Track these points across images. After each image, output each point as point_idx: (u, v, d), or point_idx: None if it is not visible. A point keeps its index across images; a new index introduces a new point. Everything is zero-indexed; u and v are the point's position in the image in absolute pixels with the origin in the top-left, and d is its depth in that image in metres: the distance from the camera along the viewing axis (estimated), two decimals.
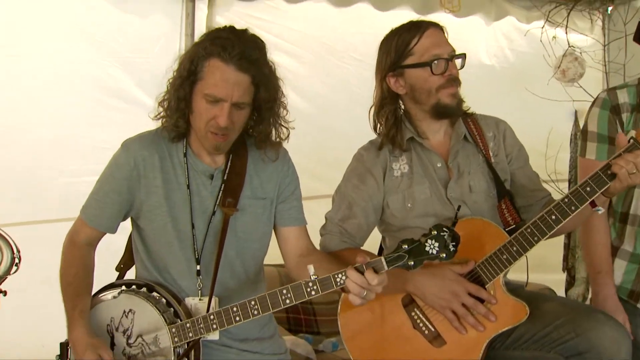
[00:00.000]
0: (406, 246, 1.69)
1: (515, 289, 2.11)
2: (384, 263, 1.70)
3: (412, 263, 1.69)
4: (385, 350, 2.08)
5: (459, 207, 2.00)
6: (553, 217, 1.93)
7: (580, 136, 2.40)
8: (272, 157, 2.05)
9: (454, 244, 1.70)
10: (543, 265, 3.12)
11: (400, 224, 2.16)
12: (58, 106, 3.36)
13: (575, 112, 4.32)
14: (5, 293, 1.74)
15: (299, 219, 2.12)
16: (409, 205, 2.15)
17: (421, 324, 2.05)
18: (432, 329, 2.04)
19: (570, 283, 4.20)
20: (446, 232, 1.70)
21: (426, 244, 1.69)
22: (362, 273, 1.68)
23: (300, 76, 3.87)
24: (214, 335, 1.95)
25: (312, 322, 3.72)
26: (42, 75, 3.31)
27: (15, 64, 3.24)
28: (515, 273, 2.28)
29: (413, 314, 2.06)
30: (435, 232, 1.69)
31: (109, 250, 2.17)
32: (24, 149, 3.34)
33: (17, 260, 1.72)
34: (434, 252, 1.69)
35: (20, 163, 3.33)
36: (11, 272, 1.72)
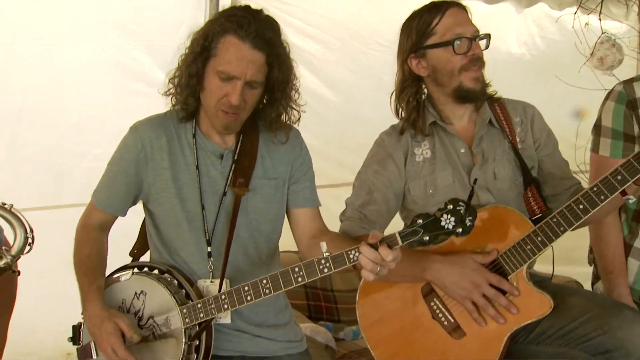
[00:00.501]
0: (421, 221, 1.64)
1: (540, 281, 2.04)
2: (398, 238, 1.64)
3: (427, 238, 1.63)
4: (403, 340, 2.02)
5: (475, 180, 1.92)
6: (581, 206, 1.85)
7: (593, 130, 2.32)
8: (281, 139, 2.02)
9: (470, 218, 1.63)
10: (570, 257, 3.03)
11: (422, 211, 2.09)
12: (82, 91, 3.35)
13: None
14: (19, 273, 1.72)
15: (311, 200, 2.08)
16: (430, 191, 2.09)
17: (440, 315, 1.99)
18: (452, 320, 1.98)
19: (596, 276, 4.10)
20: (462, 206, 1.63)
21: (442, 219, 1.63)
22: (376, 249, 1.63)
23: (325, 62, 3.82)
24: (226, 319, 1.92)
25: (333, 310, 3.69)
26: (65, 60, 3.30)
27: (38, 49, 3.24)
28: (543, 265, 2.21)
29: (432, 304, 2.00)
30: (451, 207, 1.63)
31: (124, 236, 2.15)
32: (47, 133, 3.34)
33: (30, 240, 1.70)
34: (450, 227, 1.63)
35: (44, 148, 3.33)
36: (24, 252, 1.70)
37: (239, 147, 1.98)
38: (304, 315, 3.41)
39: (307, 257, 1.92)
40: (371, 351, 2.05)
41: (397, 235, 1.64)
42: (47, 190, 3.31)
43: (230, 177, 1.95)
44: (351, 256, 1.67)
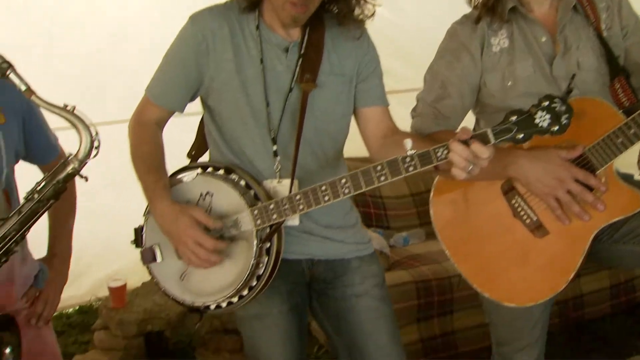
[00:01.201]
0: (514, 117, 1.53)
1: (626, 178, 1.92)
2: (491, 135, 1.52)
3: (522, 136, 1.53)
4: (481, 241, 1.93)
5: (574, 75, 1.78)
6: None
7: None
8: (355, 34, 1.87)
9: (567, 116, 1.52)
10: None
11: (499, 105, 1.96)
12: (117, 1, 3.21)
13: None
14: (86, 179, 1.62)
15: (381, 98, 1.95)
16: (509, 83, 1.95)
17: (522, 213, 1.89)
18: (534, 218, 1.88)
19: None
20: (558, 102, 1.52)
21: (536, 116, 1.52)
22: (467, 146, 1.52)
23: None
24: (295, 221, 1.84)
25: (382, 217, 3.64)
26: None
27: None
28: None
29: (513, 201, 1.90)
30: (547, 103, 1.52)
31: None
32: (82, 49, 3.22)
33: (96, 144, 1.59)
34: (545, 124, 1.53)
35: (80, 64, 3.22)
36: (91, 156, 1.59)
37: (305, 41, 1.84)
38: None
39: (377, 159, 1.81)
40: (446, 251, 1.96)
41: (490, 132, 1.53)
42: (86, 106, 3.21)
43: (297, 72, 1.82)
44: (439, 154, 1.56)
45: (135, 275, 3.25)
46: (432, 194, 1.99)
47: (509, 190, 1.91)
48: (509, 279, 1.92)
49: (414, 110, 2.05)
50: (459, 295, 3.09)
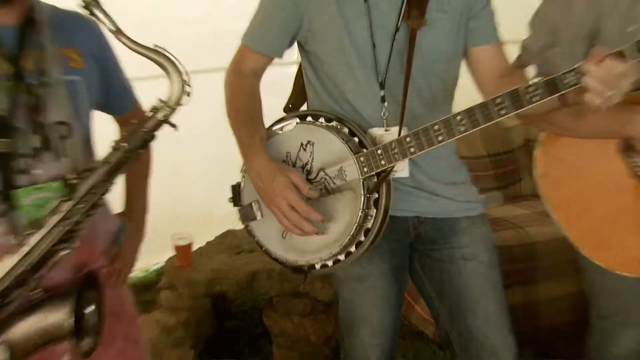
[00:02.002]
0: None
1: None
2: (629, 51, 1.37)
3: None
4: (592, 202, 1.78)
5: None
6: None
7: None
8: None
9: None
10: None
11: None
12: None
13: None
14: (176, 127, 1.49)
15: (494, 35, 1.82)
16: (629, 29, 1.75)
17: None
18: None
19: None
20: None
21: None
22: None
23: None
24: (404, 172, 1.72)
25: None
26: None
27: None
28: None
29: (632, 161, 1.73)
30: None
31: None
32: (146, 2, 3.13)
33: (187, 89, 1.46)
34: None
35: (144, 15, 3.11)
36: (182, 102, 1.46)
37: None
38: None
39: None
40: (552, 214, 1.81)
41: (627, 47, 1.37)
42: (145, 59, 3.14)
43: (403, 9, 1.68)
44: (568, 79, 1.40)
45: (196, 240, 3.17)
46: (537, 150, 1.84)
47: (626, 149, 1.74)
48: (623, 245, 1.77)
49: (518, 59, 1.88)
50: (543, 264, 2.93)
